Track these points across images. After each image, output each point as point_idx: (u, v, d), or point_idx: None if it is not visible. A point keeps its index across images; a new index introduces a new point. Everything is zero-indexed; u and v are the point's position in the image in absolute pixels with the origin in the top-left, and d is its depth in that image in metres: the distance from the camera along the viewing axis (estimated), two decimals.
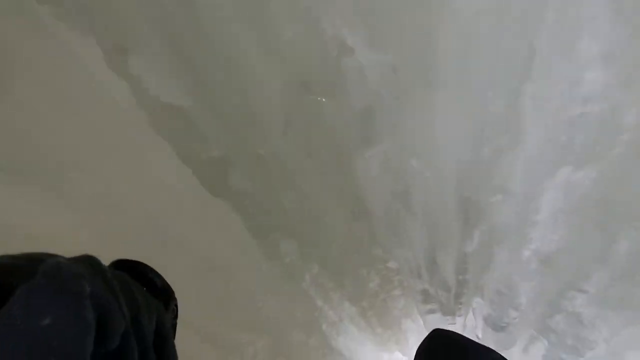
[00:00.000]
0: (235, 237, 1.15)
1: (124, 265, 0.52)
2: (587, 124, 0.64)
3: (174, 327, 0.56)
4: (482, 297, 1.82)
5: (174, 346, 0.47)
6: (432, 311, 2.07)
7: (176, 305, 0.57)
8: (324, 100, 0.92)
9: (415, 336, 2.64)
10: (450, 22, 0.65)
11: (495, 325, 1.84)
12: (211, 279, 1.09)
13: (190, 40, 0.73)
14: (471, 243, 1.22)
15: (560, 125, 0.67)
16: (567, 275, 1.26)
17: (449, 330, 0.82)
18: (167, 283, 0.55)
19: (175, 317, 0.57)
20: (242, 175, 1.06)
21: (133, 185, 0.84)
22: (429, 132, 0.83)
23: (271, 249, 1.36)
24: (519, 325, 1.84)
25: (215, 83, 0.81)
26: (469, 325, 2.74)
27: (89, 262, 0.37)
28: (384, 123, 0.89)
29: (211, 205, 1.06)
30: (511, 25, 0.61)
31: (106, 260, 0.52)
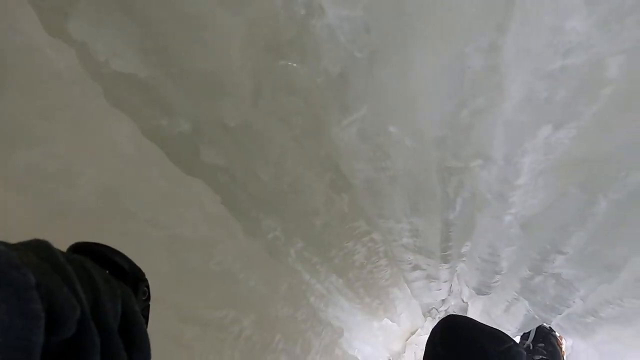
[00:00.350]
0: (212, 214, 1.12)
1: (85, 249, 0.48)
2: (567, 79, 0.61)
3: (146, 309, 0.52)
4: (466, 263, 1.86)
5: (143, 330, 0.44)
6: (417, 279, 2.11)
7: (147, 287, 0.54)
8: (295, 65, 0.86)
9: (403, 304, 2.71)
10: None
11: (479, 289, 1.89)
12: (188, 257, 1.06)
13: None
14: (453, 211, 1.22)
15: (541, 81, 0.63)
16: (547, 237, 1.27)
17: (462, 316, 0.82)
18: (135, 265, 0.51)
19: (147, 299, 0.54)
20: (214, 150, 1.01)
21: (92, 162, 0.78)
22: (406, 95, 0.79)
23: (252, 225, 1.33)
24: (501, 288, 1.90)
25: (174, 46, 0.74)
26: (455, 291, 2.83)
27: (37, 247, 0.33)
28: (359, 88, 0.84)
29: (184, 182, 1.02)
30: None
31: (64, 242, 0.46)
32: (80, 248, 0.49)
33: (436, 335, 0.77)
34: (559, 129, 0.69)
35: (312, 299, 1.86)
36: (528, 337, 2.27)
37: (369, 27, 0.68)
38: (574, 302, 1.51)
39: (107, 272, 0.47)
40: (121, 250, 0.49)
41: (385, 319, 2.70)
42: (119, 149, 0.84)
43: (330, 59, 0.81)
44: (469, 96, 0.72)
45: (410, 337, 3.08)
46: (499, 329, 0.76)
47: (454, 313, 2.79)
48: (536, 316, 1.87)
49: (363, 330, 2.51)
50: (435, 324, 0.82)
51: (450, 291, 2.74)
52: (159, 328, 0.98)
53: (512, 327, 2.15)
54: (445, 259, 1.71)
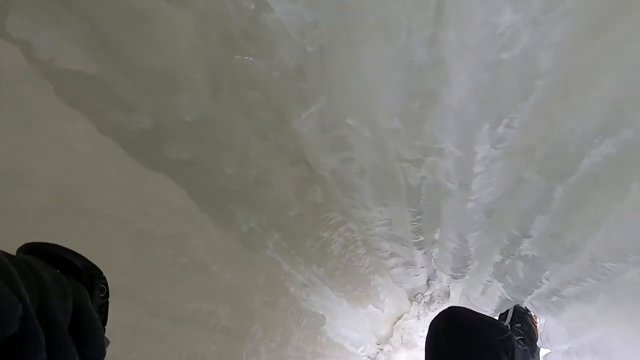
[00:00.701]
0: (179, 208, 1.12)
1: (36, 249, 0.48)
2: (505, 71, 0.62)
3: (104, 306, 0.53)
4: (439, 249, 1.90)
5: (97, 327, 0.45)
6: (396, 266, 2.16)
7: (105, 284, 0.54)
8: (251, 59, 0.86)
9: (386, 290, 2.76)
10: None
11: (453, 274, 1.95)
12: (156, 252, 1.07)
13: None
14: (419, 199, 1.24)
15: (483, 73, 0.65)
16: (513, 222, 1.31)
17: (462, 307, 0.84)
18: (90, 263, 0.52)
19: (106, 295, 0.54)
20: (176, 145, 1.01)
21: (45, 161, 0.77)
22: (359, 88, 0.80)
23: (225, 218, 1.34)
24: (477, 272, 1.95)
25: (121, 41, 0.73)
26: (438, 276, 2.89)
27: None
28: (315, 81, 0.85)
29: (146, 178, 1.01)
30: None
31: (19, 244, 0.47)
32: (31, 248, 0.49)
33: (438, 326, 0.78)
34: (502, 119, 0.71)
35: (292, 289, 1.89)
36: (505, 318, 2.36)
37: (316, 22, 0.69)
38: (542, 283, 1.57)
39: (59, 271, 0.48)
40: (83, 249, 0.49)
41: (370, 305, 2.75)
42: (74, 147, 0.83)
43: (285, 53, 0.82)
44: (417, 88, 0.74)
45: (397, 321, 3.16)
46: (495, 319, 0.79)
47: (439, 297, 2.86)
48: (509, 297, 1.94)
49: (349, 317, 2.56)
50: (435, 316, 0.83)
51: (435, 275, 2.80)
52: (129, 323, 1.00)
53: (489, 308, 2.23)
54: (418, 246, 1.75)
